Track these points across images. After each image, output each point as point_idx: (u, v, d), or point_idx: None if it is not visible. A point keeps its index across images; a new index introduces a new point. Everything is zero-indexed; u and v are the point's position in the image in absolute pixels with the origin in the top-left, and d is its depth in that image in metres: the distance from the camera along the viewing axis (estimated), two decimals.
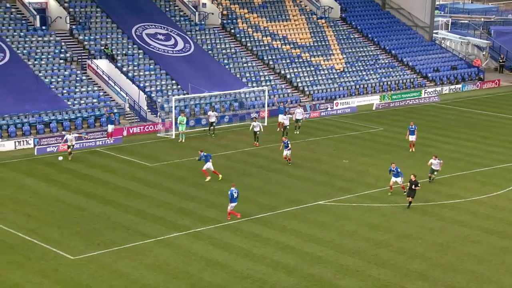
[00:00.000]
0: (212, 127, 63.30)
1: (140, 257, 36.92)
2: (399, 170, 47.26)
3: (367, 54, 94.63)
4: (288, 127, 64.17)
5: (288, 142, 54.56)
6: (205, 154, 50.53)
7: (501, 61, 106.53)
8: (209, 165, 51.00)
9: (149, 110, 71.29)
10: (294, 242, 39.40)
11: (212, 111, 64.11)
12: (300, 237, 40.27)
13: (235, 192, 42.02)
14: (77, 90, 70.93)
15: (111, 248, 38.13)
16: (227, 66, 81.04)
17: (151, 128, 68.81)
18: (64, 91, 69.78)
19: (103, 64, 75.12)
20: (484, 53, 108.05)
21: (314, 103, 79.52)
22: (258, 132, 62.39)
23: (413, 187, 43.98)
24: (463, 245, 39.75)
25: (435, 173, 50.12)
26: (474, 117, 77.61)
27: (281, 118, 64.00)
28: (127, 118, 70.03)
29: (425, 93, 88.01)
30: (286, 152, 54.71)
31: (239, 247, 38.48)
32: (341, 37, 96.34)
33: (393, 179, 47.54)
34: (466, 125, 72.89)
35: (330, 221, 43.30)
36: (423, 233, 40.82)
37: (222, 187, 49.53)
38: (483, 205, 47.59)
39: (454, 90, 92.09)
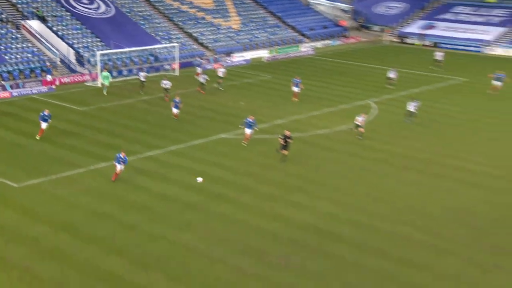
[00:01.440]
0: (143, 85, 61.13)
1: (74, 184, 37.33)
2: (254, 122, 45.00)
3: (258, 16, 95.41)
4: (205, 84, 63.01)
5: (179, 101, 51.66)
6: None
7: (360, 22, 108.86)
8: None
9: (78, 64, 70.23)
10: (203, 168, 39.84)
11: (142, 72, 62.13)
12: (207, 164, 40.79)
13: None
14: (13, 46, 68.43)
15: (50, 177, 38.07)
16: (143, 26, 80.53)
17: (80, 78, 67.67)
18: (2, 47, 67.36)
19: (35, 24, 73.08)
20: (347, 15, 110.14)
21: (216, 56, 79.80)
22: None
23: (287, 140, 41.07)
24: (331, 166, 41.00)
25: (359, 128, 47.08)
26: (341, 66, 79.10)
27: (203, 78, 62.56)
28: (58, 70, 68.63)
29: (303, 47, 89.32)
30: (175, 110, 51.46)
31: (158, 173, 39.09)
32: (237, 2, 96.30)
33: (247, 130, 44.75)
34: (332, 73, 74.16)
35: (230, 151, 43.89)
36: (297, 160, 41.61)
37: (144, 127, 49.43)
38: (345, 134, 48.93)
39: (325, 44, 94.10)
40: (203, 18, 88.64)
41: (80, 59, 70.26)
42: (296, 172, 39.38)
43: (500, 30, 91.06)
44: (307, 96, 59.70)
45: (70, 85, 66.03)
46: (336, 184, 37.68)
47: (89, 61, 69.56)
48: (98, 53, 67.14)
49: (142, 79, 62.23)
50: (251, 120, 43.95)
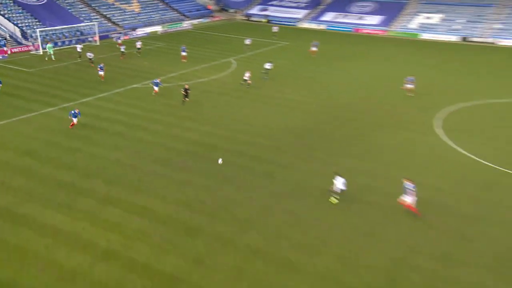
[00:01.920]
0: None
1: (30, 123, 36.24)
2: (158, 81, 43.22)
3: (152, 3, 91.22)
4: (125, 52, 60.23)
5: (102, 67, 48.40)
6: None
7: (221, 6, 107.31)
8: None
9: (23, 38, 65.21)
10: (123, 107, 39.65)
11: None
12: (125, 105, 40.56)
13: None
14: None
15: (11, 119, 36.60)
16: (70, 10, 75.24)
17: (25, 49, 63.16)
18: None
19: None
20: (212, 1, 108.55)
21: (124, 31, 76.66)
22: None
23: (187, 91, 39.84)
24: (208, 102, 41.71)
25: (247, 81, 45.76)
26: (211, 36, 78.82)
27: (123, 48, 59.68)
28: (9, 43, 63.44)
29: (184, 24, 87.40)
30: (101, 73, 47.99)
31: (91, 113, 38.27)
32: None
33: (155, 87, 42.99)
34: (205, 41, 73.94)
35: (141, 95, 43.66)
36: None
37: (78, 82, 47.61)
38: (217, 81, 49.12)
39: (199, 22, 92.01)
40: (113, 4, 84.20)
41: (24, 35, 65.24)
42: (186, 108, 40.13)
43: (306, 11, 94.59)
44: (190, 57, 59.63)
45: (19, 53, 61.49)
46: (213, 114, 38.66)
47: (31, 36, 64.87)
48: (38, 30, 63.25)
49: (79, 50, 58.78)
50: (158, 81, 43.49)
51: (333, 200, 24.40)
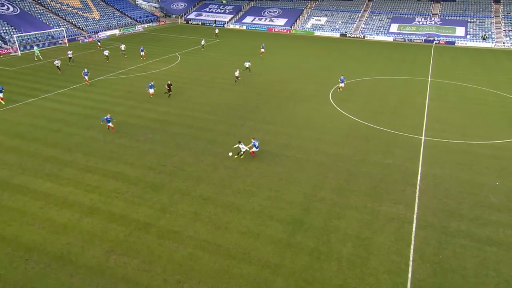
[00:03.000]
0: (71, 60, 49.27)
1: (16, 112, 32.76)
2: (86, 71, 39.29)
3: (109, 11, 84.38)
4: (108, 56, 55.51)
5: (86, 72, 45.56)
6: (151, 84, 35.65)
7: (165, 13, 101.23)
8: (86, 78, 43.39)
9: (3, 43, 57.64)
10: (92, 95, 36.88)
11: (71, 51, 50.53)
12: (95, 93, 37.69)
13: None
14: None
15: (1, 109, 32.30)
16: (40, 18, 67.47)
17: (6, 51, 56.04)
18: None
19: None
20: (158, 9, 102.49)
21: (88, 34, 70.34)
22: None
23: (170, 86, 35.97)
24: (160, 88, 39.90)
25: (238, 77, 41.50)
26: (158, 36, 74.80)
27: (106, 52, 54.51)
28: None
29: (137, 28, 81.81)
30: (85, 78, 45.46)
31: (66, 101, 35.21)
32: (95, 3, 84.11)
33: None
34: (155, 40, 70.11)
35: (107, 85, 40.63)
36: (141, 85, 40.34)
37: (54, 77, 43.43)
38: (167, 71, 46.99)
39: (149, 25, 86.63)
40: (77, 13, 76.74)
41: (3, 40, 57.92)
42: (144, 93, 38.15)
43: (230, 15, 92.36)
44: (144, 53, 56.22)
45: (0, 55, 54.81)
46: (166, 97, 37.25)
47: (9, 40, 57.68)
48: (14, 36, 56.61)
49: (70, 55, 50.72)
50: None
51: (234, 156, 24.64)
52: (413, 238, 18.05)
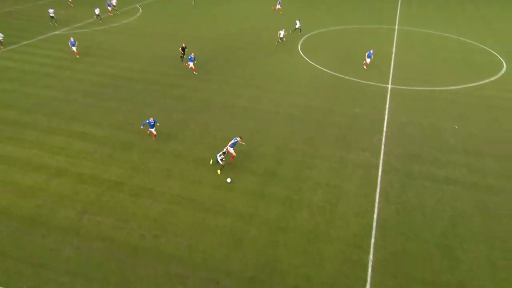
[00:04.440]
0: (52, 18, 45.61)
1: None
2: (73, 41, 36.52)
3: None
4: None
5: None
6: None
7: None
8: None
9: None
10: (51, 52, 34.45)
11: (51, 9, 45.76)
12: (53, 49, 35.17)
13: None
14: None
15: None
16: None
17: None
18: None
19: None
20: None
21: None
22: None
23: (184, 49, 33.71)
24: (122, 47, 37.70)
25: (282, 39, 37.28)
26: None
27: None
28: None
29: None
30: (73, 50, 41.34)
31: (21, 59, 32.68)
32: None
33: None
34: None
35: (63, 40, 37.92)
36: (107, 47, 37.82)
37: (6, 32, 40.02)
38: (126, 24, 44.19)
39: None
40: None
41: None
42: (104, 48, 36.06)
43: None
44: (103, 3, 52.07)
45: None
46: (129, 52, 35.37)
47: None
48: None
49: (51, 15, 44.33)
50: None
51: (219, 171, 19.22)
52: (379, 182, 19.01)
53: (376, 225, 16.51)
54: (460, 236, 16.00)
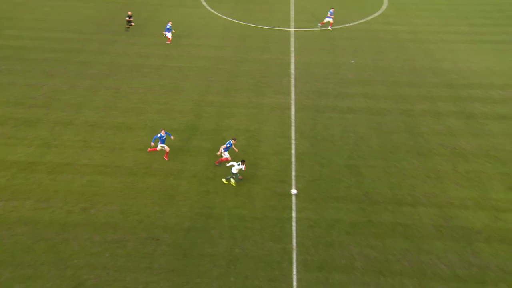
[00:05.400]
0: None
1: None
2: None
3: None
4: None
5: None
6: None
7: None
8: None
9: None
10: None
11: None
12: None
13: None
14: None
15: None
16: None
17: None
18: None
19: None
20: None
21: None
22: None
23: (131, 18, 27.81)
24: (57, 14, 32.01)
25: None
26: None
27: None
28: None
29: None
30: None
31: None
32: None
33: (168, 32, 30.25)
34: None
35: None
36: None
37: None
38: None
39: None
40: None
41: None
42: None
43: None
44: None
45: None
46: (16, 18, 30.05)
47: None
48: None
49: None
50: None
51: (233, 182, 16.47)
52: (293, 121, 20.00)
53: (295, 159, 17.62)
54: (363, 156, 17.92)
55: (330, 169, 17.13)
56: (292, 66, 24.62)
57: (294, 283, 12.93)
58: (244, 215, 15.16)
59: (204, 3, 34.26)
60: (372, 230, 14.52)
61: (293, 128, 19.47)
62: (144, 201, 15.53)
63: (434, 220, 14.87)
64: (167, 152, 17.24)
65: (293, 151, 18.06)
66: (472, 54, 26.02)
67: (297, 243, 14.13)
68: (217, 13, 32.25)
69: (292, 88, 22.48)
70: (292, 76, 23.59)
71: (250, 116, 20.22)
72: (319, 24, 29.19)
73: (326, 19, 28.95)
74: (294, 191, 15.89)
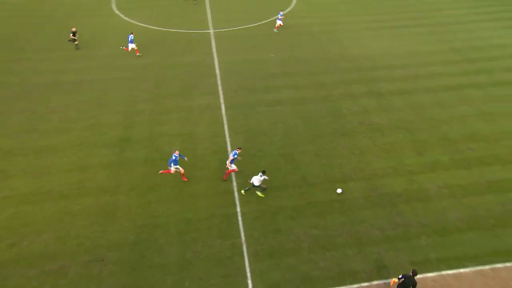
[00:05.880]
0: None
1: None
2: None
3: None
4: None
5: None
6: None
7: None
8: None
9: None
10: None
11: None
12: None
13: None
14: None
15: None
16: None
17: None
18: None
19: None
20: None
21: None
22: None
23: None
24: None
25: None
26: None
27: None
28: None
29: None
30: None
31: None
32: None
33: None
34: None
35: None
36: None
37: None
38: None
39: None
40: None
41: None
42: None
43: None
44: None
45: None
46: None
47: None
48: None
49: None
50: None
51: (260, 194, 16.01)
52: (224, 119, 20.14)
53: None
54: (294, 144, 18.76)
55: (267, 160, 17.64)
56: (217, 66, 24.71)
57: (248, 274, 13.18)
58: (191, 218, 14.97)
59: (117, 12, 32.63)
60: (313, 211, 15.34)
61: (226, 126, 19.62)
62: (82, 222, 14.51)
63: (363, 192, 16.19)
64: (183, 174, 16.20)
65: (229, 149, 18.22)
66: (374, 40, 28.57)
67: (245, 236, 14.38)
68: (132, 21, 30.94)
69: (220, 88, 22.59)
70: (218, 76, 23.68)
71: (182, 120, 19.91)
72: (275, 30, 29.35)
73: (278, 22, 29.15)
74: (339, 190, 15.91)
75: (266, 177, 15.51)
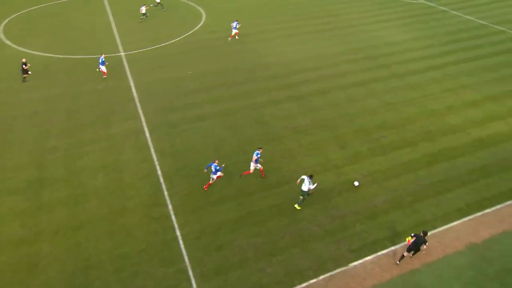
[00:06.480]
0: None
1: None
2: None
3: None
4: None
5: None
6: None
7: None
8: None
9: None
10: None
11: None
12: None
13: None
14: None
15: None
16: None
17: None
18: None
19: None
20: None
21: None
22: None
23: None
24: None
25: None
26: None
27: None
28: None
29: None
30: None
31: None
32: None
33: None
34: None
35: None
36: None
37: None
38: None
39: None
40: None
41: None
42: None
43: None
44: None
45: None
46: None
47: None
48: None
49: None
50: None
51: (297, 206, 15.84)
52: (150, 142, 19.24)
53: (163, 179, 17.04)
54: (226, 155, 18.58)
55: (200, 178, 17.22)
56: (134, 89, 23.59)
57: None
58: (127, 252, 13.89)
59: (7, 42, 29.29)
60: (253, 220, 15.34)
61: (152, 149, 18.75)
62: None
63: (299, 192, 16.70)
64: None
65: (159, 172, 17.42)
66: (286, 47, 30.09)
67: (189, 259, 13.80)
68: (28, 51, 28.05)
69: (140, 111, 21.57)
70: (137, 99, 22.62)
71: (104, 150, 18.51)
72: (229, 39, 29.93)
73: (234, 31, 29.65)
74: (356, 183, 16.63)
75: (315, 184, 15.19)
